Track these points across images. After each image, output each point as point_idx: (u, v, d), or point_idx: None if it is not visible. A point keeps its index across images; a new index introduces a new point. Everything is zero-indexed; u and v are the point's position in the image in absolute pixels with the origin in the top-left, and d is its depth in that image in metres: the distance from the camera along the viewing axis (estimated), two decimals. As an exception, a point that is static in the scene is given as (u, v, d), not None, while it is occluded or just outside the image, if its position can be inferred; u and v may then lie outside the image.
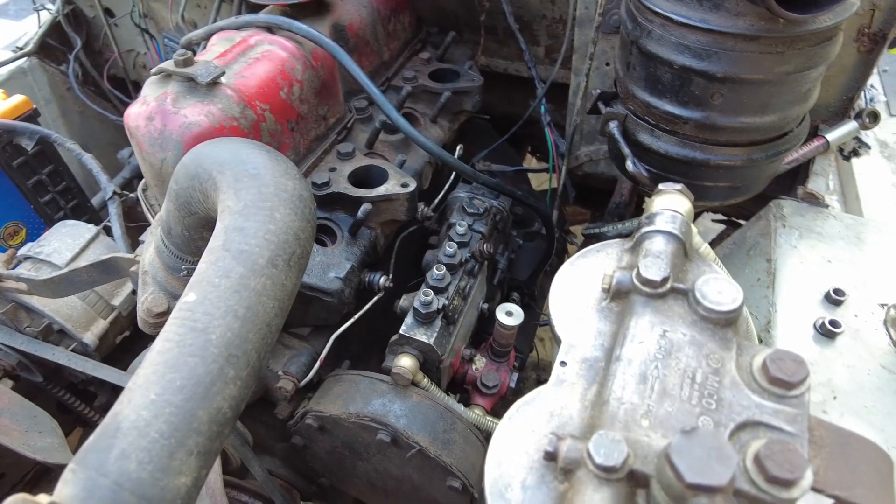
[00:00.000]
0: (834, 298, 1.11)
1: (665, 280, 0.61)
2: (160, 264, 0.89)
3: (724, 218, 2.16)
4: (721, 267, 0.72)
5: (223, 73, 1.08)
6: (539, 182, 2.37)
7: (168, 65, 1.08)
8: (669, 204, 0.69)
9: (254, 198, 0.65)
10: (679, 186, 0.71)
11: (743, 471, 0.50)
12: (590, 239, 1.82)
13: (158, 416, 0.54)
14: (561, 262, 2.00)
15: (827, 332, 1.06)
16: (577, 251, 1.93)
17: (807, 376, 0.56)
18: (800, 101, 1.09)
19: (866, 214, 4.14)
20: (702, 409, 0.54)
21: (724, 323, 0.59)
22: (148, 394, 0.55)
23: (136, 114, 1.07)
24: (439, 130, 1.56)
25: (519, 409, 0.59)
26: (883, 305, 1.11)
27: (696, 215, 1.97)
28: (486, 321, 1.48)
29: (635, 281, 0.62)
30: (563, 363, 0.62)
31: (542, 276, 1.88)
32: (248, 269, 0.61)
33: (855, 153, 1.86)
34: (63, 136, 1.91)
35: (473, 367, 1.38)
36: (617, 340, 0.61)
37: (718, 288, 0.60)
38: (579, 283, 0.68)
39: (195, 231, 0.77)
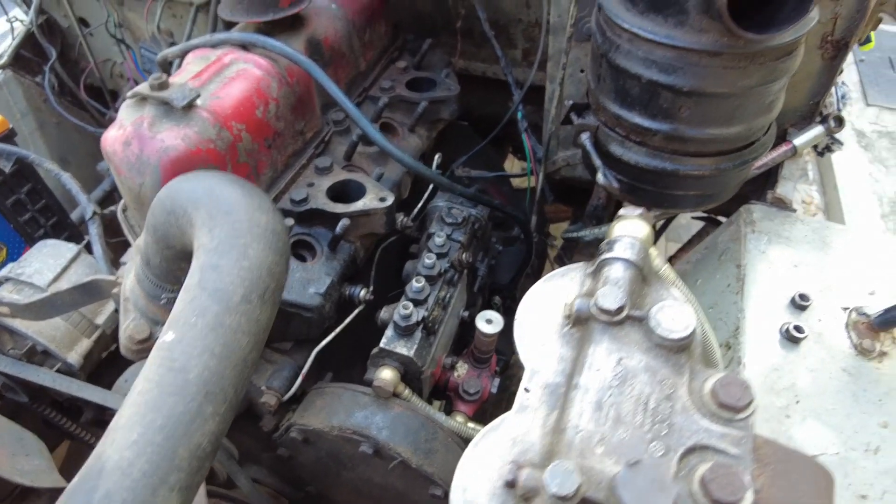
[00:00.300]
0: (799, 304, 1.15)
1: (621, 309, 0.63)
2: (141, 292, 0.91)
3: (704, 215, 2.20)
4: (681, 287, 0.75)
5: (198, 96, 1.09)
6: (521, 181, 2.40)
7: (143, 88, 1.08)
8: (628, 230, 0.72)
9: (227, 234, 0.67)
10: (639, 211, 0.74)
11: (689, 494, 0.53)
12: (569, 242, 1.85)
13: (140, 455, 0.56)
14: (542, 264, 2.04)
15: (791, 338, 1.10)
16: (557, 252, 1.94)
17: (752, 401, 0.59)
18: (764, 111, 1.12)
19: (844, 204, 4.19)
20: (653, 434, 0.57)
21: (677, 349, 0.62)
22: (130, 434, 0.57)
23: (112, 138, 1.08)
24: (417, 139, 1.58)
25: (484, 436, 0.61)
26: (846, 309, 1.14)
27: (670, 220, 2.01)
28: (467, 328, 1.51)
29: (593, 309, 0.65)
30: (526, 389, 0.64)
31: (524, 278, 1.91)
32: (223, 307, 0.63)
33: (828, 149, 1.89)
34: (41, 148, 1.91)
35: (455, 374, 1.41)
36: (576, 367, 0.63)
37: (672, 315, 0.62)
38: (543, 308, 0.71)
39: (174, 263, 0.79)
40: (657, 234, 2.08)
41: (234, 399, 0.63)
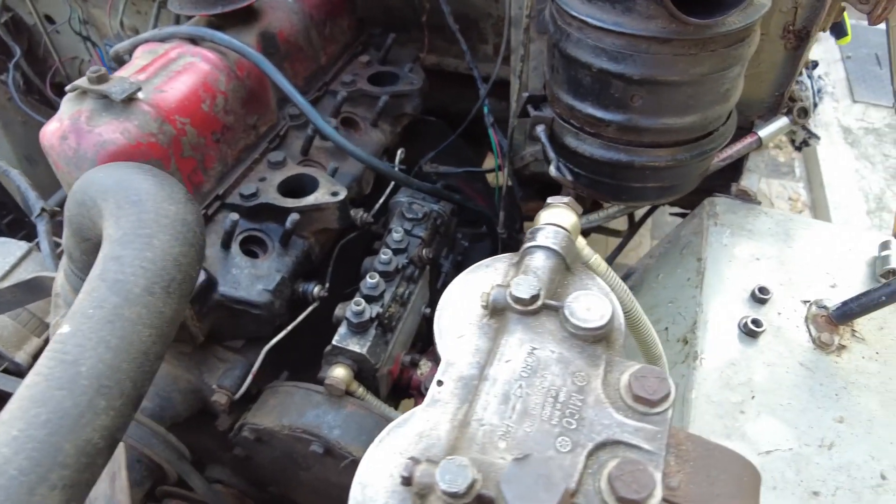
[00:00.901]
0: (759, 297, 1.12)
1: (535, 298, 0.61)
2: (68, 287, 0.88)
3: (681, 211, 2.17)
4: (611, 278, 0.73)
5: (139, 89, 1.06)
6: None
7: (82, 82, 1.06)
8: (554, 218, 0.70)
9: (133, 225, 0.65)
10: (566, 199, 0.71)
11: (597, 491, 0.51)
12: (539, 238, 1.83)
13: (19, 452, 0.54)
14: (515, 260, 2.01)
15: (749, 332, 1.07)
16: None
17: (668, 394, 0.56)
18: (720, 100, 1.10)
19: (831, 201, 4.17)
20: (561, 429, 0.54)
21: (592, 339, 0.60)
22: (10, 430, 0.55)
23: (50, 132, 1.05)
24: (380, 134, 1.55)
25: (390, 431, 0.59)
26: (805, 302, 1.12)
27: (650, 212, 1.98)
28: (431, 326, 1.48)
29: (508, 298, 0.62)
30: (439, 382, 0.62)
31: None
32: (122, 299, 0.61)
33: (805, 143, 1.87)
34: (5, 147, 1.88)
35: (418, 371, 1.39)
36: (490, 358, 0.61)
37: (587, 304, 0.60)
38: (464, 299, 0.68)
39: (92, 255, 0.76)
40: (636, 226, 2.05)
41: (134, 393, 0.60)
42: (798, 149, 1.95)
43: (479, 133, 1.90)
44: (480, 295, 0.66)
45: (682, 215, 2.14)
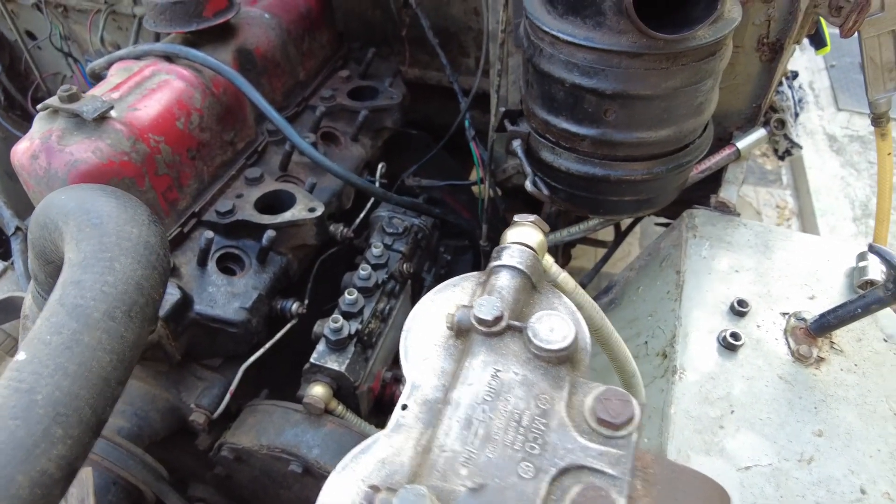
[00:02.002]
0: (738, 310, 1.12)
1: (498, 319, 0.60)
2: (37, 309, 0.87)
3: (666, 221, 2.18)
4: (579, 296, 0.72)
5: (111, 108, 1.05)
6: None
7: (53, 100, 1.05)
8: (520, 237, 0.69)
9: (94, 249, 0.64)
10: (532, 218, 0.71)
11: (559, 519, 0.50)
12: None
13: (-32, 486, 0.52)
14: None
15: (728, 345, 1.07)
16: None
17: (632, 417, 0.55)
18: (694, 114, 1.10)
19: (817, 208, 4.18)
20: (524, 454, 0.53)
21: (556, 361, 0.59)
22: (-40, 463, 0.53)
23: (21, 151, 1.04)
24: (361, 149, 1.55)
25: (354, 457, 0.58)
26: (784, 314, 1.12)
27: (635, 222, 1.98)
28: (413, 340, 1.47)
29: (472, 319, 0.61)
30: (403, 406, 0.61)
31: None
32: (81, 324, 0.60)
33: (788, 153, 1.88)
34: (-15, 165, 1.86)
35: (400, 387, 1.37)
36: (453, 381, 0.60)
37: (551, 325, 0.59)
38: (430, 320, 0.68)
39: (56, 278, 0.75)
40: (622, 237, 2.05)
41: (94, 420, 0.59)
42: (781, 158, 1.96)
43: (463, 144, 1.90)
44: (446, 316, 0.65)
45: (667, 225, 2.14)
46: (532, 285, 0.67)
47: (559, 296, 0.68)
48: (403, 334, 0.67)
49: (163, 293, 0.70)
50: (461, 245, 1.75)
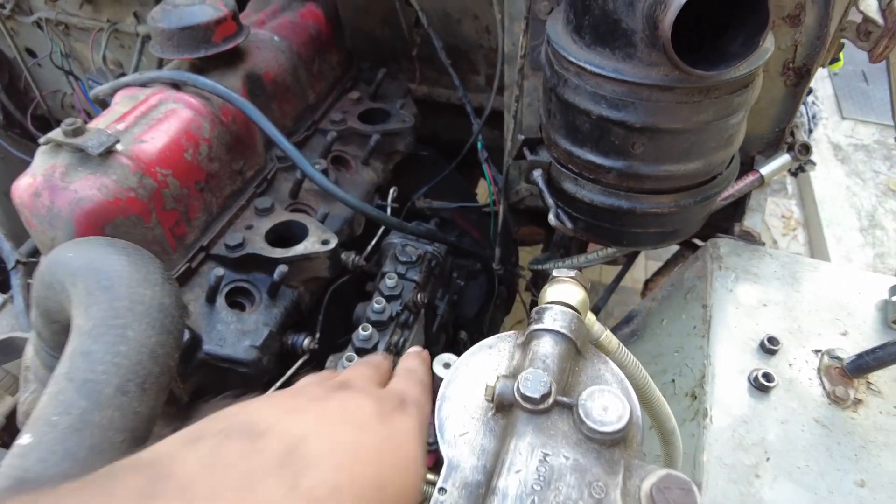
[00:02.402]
0: (768, 347, 1.08)
1: (545, 396, 0.56)
2: (39, 362, 0.82)
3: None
4: (623, 357, 0.68)
5: (117, 142, 1.01)
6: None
7: (56, 134, 1.01)
8: (561, 295, 0.65)
9: (104, 315, 0.59)
10: (573, 273, 0.67)
11: None
12: (535, 274, 1.78)
13: None
14: (511, 293, 1.97)
15: (761, 386, 1.02)
16: (526, 283, 1.86)
17: (694, 507, 0.51)
18: (723, 146, 1.06)
19: (823, 218, 4.15)
20: (580, 553, 0.49)
21: (609, 443, 0.54)
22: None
23: (22, 188, 1.00)
24: (372, 173, 1.51)
25: (388, 551, 0.53)
26: (817, 352, 1.08)
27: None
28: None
29: (516, 395, 0.57)
30: (441, 489, 0.56)
31: (493, 308, 1.84)
32: (92, 402, 0.55)
33: (801, 169, 1.84)
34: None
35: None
36: (497, 465, 0.55)
37: (603, 403, 0.55)
38: (467, 388, 0.63)
39: (62, 335, 0.71)
40: (631, 258, 2.01)
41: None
42: (794, 175, 1.93)
43: (471, 160, 1.86)
44: (484, 387, 0.61)
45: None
46: (577, 350, 0.62)
47: (605, 361, 0.64)
48: (438, 403, 0.63)
49: (177, 358, 0.66)
50: (473, 269, 1.70)
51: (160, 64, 1.46)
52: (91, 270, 0.63)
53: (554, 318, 0.62)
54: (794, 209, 3.88)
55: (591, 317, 0.67)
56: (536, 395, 0.55)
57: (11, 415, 1.23)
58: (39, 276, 0.69)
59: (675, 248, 2.14)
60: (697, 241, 1.92)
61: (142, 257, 0.68)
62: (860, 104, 4.37)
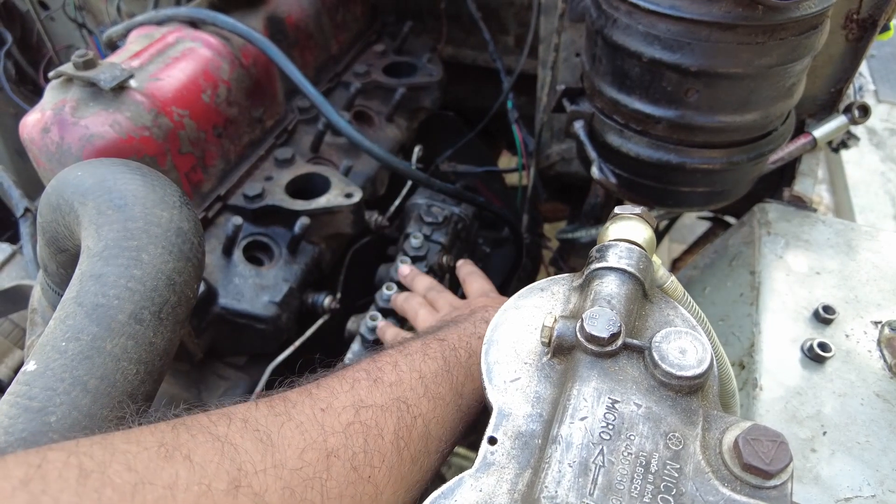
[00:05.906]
0: (823, 317, 1.00)
1: (615, 336, 0.49)
2: (46, 303, 0.77)
3: (711, 215, 2.05)
4: (691, 306, 0.61)
5: (131, 76, 0.94)
6: (513, 179, 2.25)
7: (67, 67, 0.94)
8: (625, 233, 0.57)
9: (117, 236, 0.53)
10: (639, 210, 0.59)
11: None
12: (564, 243, 1.70)
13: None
14: (536, 267, 1.89)
15: (816, 357, 0.95)
16: (552, 255, 1.79)
17: (789, 463, 0.44)
18: (784, 96, 0.98)
19: (855, 204, 4.02)
20: (657, 510, 0.42)
21: (687, 390, 0.48)
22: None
23: (31, 124, 0.94)
24: (396, 130, 1.43)
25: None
26: (876, 324, 1.00)
27: (676, 218, 1.87)
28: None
29: (579, 335, 0.50)
30: (491, 439, 0.50)
31: (516, 282, 1.77)
32: (103, 329, 0.49)
33: (844, 145, 1.75)
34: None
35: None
36: (556, 412, 0.49)
37: (681, 346, 0.48)
38: (517, 332, 0.56)
39: (70, 268, 0.65)
40: (660, 235, 1.93)
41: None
42: (835, 150, 1.83)
43: (493, 129, 1.78)
44: (540, 328, 0.54)
45: (708, 219, 2.02)
46: (644, 293, 0.55)
47: (674, 306, 0.57)
48: (485, 347, 0.56)
49: (197, 289, 0.60)
50: (499, 237, 1.63)
51: (177, 2, 1.39)
52: (103, 189, 0.57)
53: (619, 256, 0.55)
54: (825, 194, 3.76)
55: (656, 259, 0.60)
56: (605, 335, 0.48)
57: (20, 367, 1.18)
58: (46, 198, 0.63)
59: (700, 228, 2.06)
60: (730, 219, 1.83)
61: (158, 178, 0.62)
62: None
